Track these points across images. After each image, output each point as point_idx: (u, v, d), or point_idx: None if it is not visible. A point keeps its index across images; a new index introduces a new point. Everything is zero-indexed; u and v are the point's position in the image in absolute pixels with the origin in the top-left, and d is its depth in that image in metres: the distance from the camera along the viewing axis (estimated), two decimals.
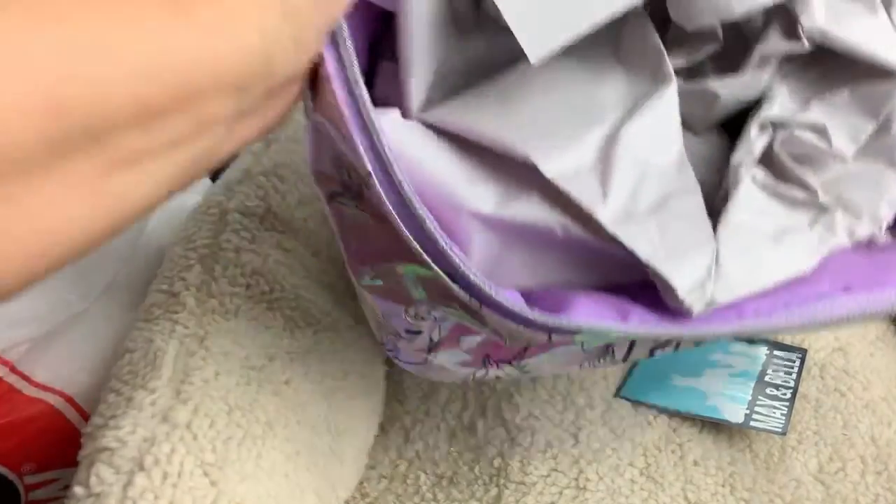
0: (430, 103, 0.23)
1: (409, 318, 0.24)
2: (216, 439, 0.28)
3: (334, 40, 0.20)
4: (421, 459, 0.36)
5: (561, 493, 0.35)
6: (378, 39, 0.26)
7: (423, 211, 0.20)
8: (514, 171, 0.22)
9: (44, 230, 0.17)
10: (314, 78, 0.21)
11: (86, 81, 0.16)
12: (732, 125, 0.27)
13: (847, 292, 0.23)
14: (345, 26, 0.20)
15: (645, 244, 0.22)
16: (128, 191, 0.18)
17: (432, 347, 0.25)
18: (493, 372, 0.27)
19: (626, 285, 0.24)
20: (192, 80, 0.18)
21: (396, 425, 0.39)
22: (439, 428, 0.37)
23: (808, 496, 0.35)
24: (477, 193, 0.22)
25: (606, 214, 0.22)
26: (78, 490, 0.27)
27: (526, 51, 0.19)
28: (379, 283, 0.23)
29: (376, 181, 0.20)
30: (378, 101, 0.21)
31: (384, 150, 0.20)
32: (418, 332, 0.25)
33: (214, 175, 0.53)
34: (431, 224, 0.20)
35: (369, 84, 0.23)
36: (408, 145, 0.22)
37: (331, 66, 0.20)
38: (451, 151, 0.22)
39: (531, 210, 0.22)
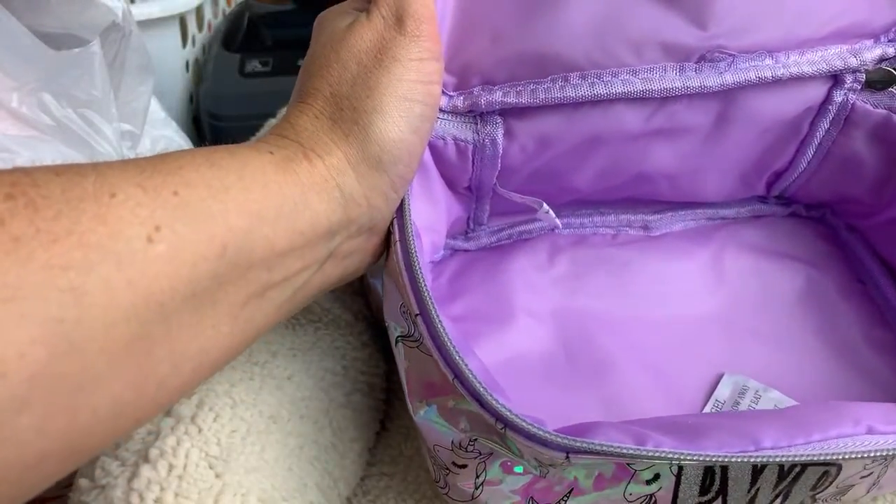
0: None
1: (455, 451, 0.27)
2: (220, 432, 0.28)
3: (402, 220, 0.28)
4: (422, 457, 0.37)
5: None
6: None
7: (450, 341, 0.25)
8: None
9: (206, 347, 0.22)
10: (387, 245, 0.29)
11: (238, 231, 0.22)
12: None
13: (870, 433, 0.26)
14: (410, 207, 0.28)
15: None
16: (255, 316, 0.24)
17: (478, 484, 0.28)
18: None
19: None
20: (300, 228, 0.24)
21: (397, 423, 0.39)
22: None
23: None
24: None
25: None
26: (83, 482, 0.27)
27: None
28: (433, 416, 0.27)
29: (421, 319, 0.26)
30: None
31: (428, 300, 0.26)
32: (464, 466, 0.28)
33: None
34: (457, 354, 0.25)
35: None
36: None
37: (397, 234, 0.28)
38: None
39: None
